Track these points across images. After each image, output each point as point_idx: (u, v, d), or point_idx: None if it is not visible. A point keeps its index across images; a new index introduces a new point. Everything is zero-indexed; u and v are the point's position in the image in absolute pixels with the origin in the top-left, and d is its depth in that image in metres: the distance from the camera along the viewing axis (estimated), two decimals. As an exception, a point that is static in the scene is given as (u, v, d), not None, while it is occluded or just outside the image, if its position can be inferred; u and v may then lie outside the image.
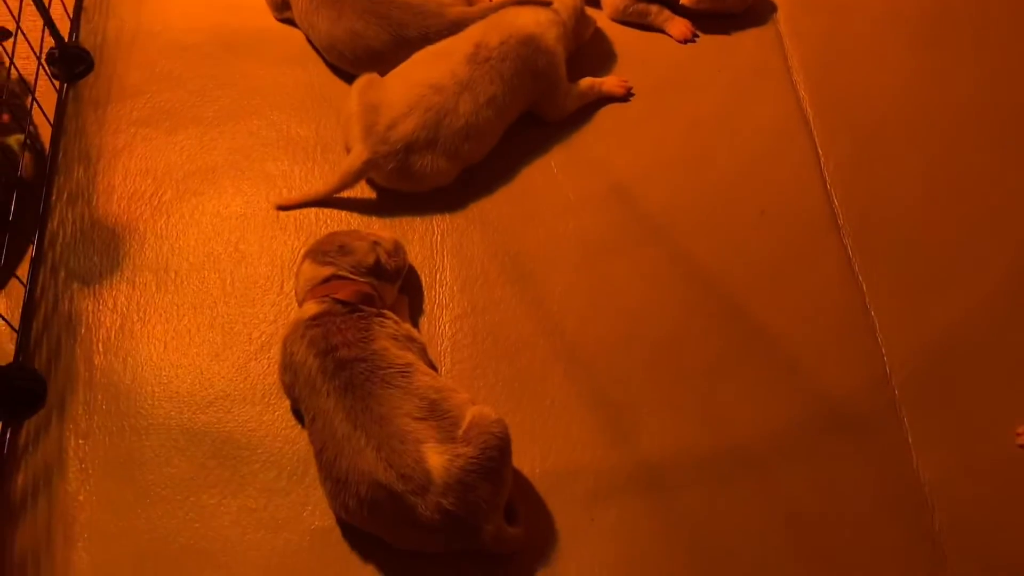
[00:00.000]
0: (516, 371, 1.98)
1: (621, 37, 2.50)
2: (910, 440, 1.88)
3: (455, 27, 2.29)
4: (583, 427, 1.91)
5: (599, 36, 2.48)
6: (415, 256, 2.14)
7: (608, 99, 2.36)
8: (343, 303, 1.81)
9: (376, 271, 1.90)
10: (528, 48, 2.22)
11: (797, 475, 1.85)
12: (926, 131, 2.32)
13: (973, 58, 2.44)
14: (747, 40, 2.49)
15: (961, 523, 1.79)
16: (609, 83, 2.38)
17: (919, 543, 1.77)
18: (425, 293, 2.09)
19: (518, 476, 1.85)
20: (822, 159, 2.29)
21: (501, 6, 2.34)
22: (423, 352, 1.88)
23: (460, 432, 1.67)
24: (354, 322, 1.78)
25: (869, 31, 2.50)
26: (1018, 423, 1.88)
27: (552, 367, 1.99)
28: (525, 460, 1.87)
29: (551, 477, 1.85)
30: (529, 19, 2.26)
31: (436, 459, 1.64)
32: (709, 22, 2.48)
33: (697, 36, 2.48)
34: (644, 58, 2.46)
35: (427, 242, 2.16)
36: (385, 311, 1.87)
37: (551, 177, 2.28)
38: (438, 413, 1.69)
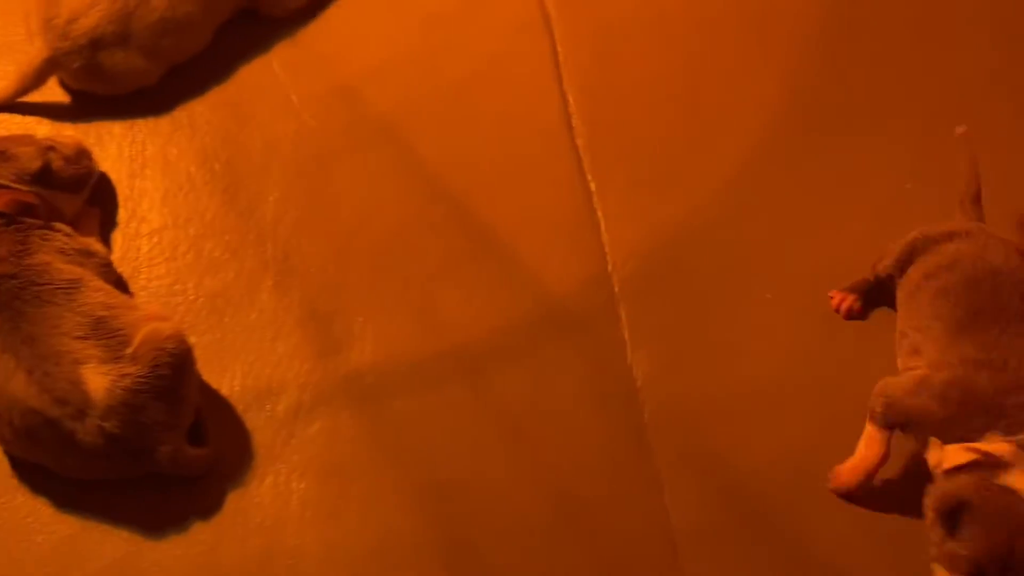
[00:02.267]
0: (221, 286, 1.87)
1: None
2: (626, 337, 1.89)
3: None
4: (291, 340, 1.83)
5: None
6: (112, 164, 1.96)
7: (338, -7, 2.27)
8: (-1, 214, 1.66)
9: (45, 179, 1.73)
10: (235, -67, 2.07)
11: (512, 376, 1.83)
12: (667, 33, 2.27)
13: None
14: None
15: (668, 418, 1.80)
16: (339, -24, 2.25)
17: (627, 438, 1.78)
18: (121, 205, 1.93)
19: (214, 395, 1.75)
20: (560, 58, 2.23)
21: None
22: (103, 268, 1.73)
23: (129, 351, 1.57)
24: (9, 235, 1.60)
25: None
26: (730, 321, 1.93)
27: (261, 279, 1.88)
28: (225, 378, 1.78)
29: (251, 394, 1.77)
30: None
31: (97, 380, 1.53)
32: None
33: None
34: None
35: (126, 149, 1.98)
36: (56, 224, 1.71)
37: (272, 76, 2.13)
38: (105, 331, 1.57)
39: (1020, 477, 1.35)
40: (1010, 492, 1.34)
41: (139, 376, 1.53)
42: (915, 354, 1.55)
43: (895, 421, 1.51)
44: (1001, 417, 1.41)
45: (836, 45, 2.21)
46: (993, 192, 1.89)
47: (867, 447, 1.62)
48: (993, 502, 1.33)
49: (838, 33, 2.22)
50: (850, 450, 1.71)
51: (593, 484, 1.76)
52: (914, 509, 1.57)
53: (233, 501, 1.66)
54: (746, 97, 2.20)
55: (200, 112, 2.05)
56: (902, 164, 2.07)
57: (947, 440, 1.44)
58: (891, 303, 1.83)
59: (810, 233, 2.01)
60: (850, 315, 1.88)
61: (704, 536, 1.69)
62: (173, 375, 1.56)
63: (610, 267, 1.98)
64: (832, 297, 1.91)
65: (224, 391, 1.77)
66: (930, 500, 1.40)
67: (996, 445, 1.38)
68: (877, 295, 1.89)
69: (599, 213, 2.05)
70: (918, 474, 1.62)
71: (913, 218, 2.02)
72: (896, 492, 1.68)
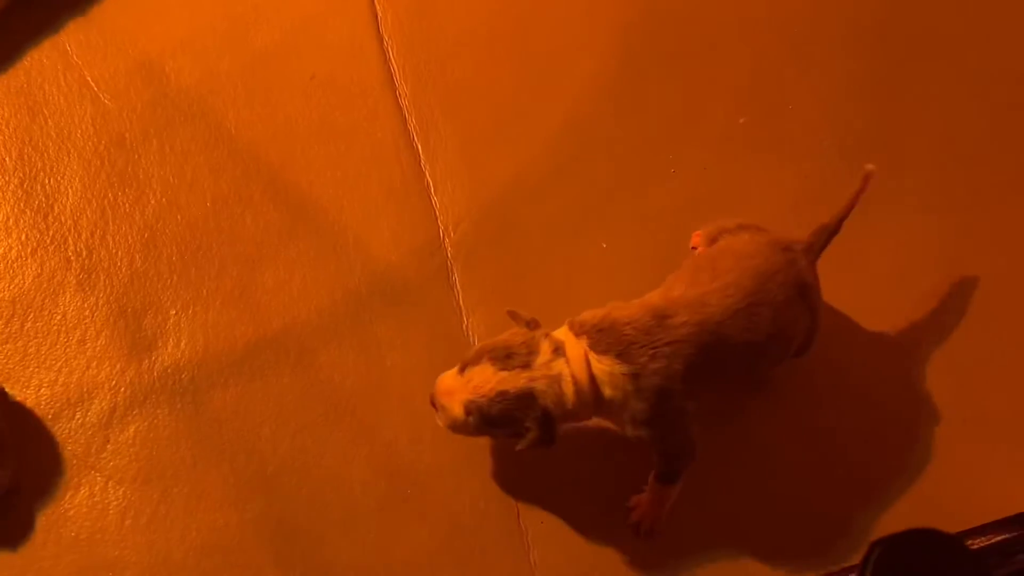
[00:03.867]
0: (18, 290, 1.79)
1: None
2: (461, 302, 1.86)
3: None
4: (99, 341, 1.76)
5: None
6: None
7: (133, -38, 2.15)
8: None
9: None
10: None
11: (341, 356, 1.79)
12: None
13: None
14: None
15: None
16: (133, -57, 2.13)
17: (465, 406, 1.82)
18: None
19: (19, 408, 1.68)
20: (379, 13, 2.16)
21: None
22: None
23: (-97, 371, 1.51)
24: None
25: None
26: (566, 275, 1.91)
27: (63, 279, 1.81)
28: (30, 388, 1.71)
29: (60, 401, 1.71)
30: None
31: None
32: None
33: None
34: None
35: (-100, 152, 1.90)
36: None
37: (65, 59, 2.01)
38: None
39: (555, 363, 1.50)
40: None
41: (-86, 400, 1.48)
42: None
43: None
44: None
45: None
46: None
47: None
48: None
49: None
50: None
51: (431, 457, 1.75)
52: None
53: (44, 519, 1.62)
54: (573, 44, 2.15)
55: (-15, 103, 1.97)
56: (734, 99, 2.08)
57: None
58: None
59: (644, 178, 2.00)
60: None
61: (546, 495, 1.70)
62: (-45, 395, 1.51)
63: (441, 231, 1.95)
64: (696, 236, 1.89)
65: (29, 402, 1.70)
66: None
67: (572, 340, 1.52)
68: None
69: (427, 175, 2.00)
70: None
71: (748, 151, 2.05)
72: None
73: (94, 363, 1.74)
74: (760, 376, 1.76)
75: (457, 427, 1.59)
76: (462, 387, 1.55)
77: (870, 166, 1.73)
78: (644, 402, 1.51)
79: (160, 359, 1.76)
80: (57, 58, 2.01)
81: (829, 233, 1.69)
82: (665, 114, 2.07)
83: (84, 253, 1.84)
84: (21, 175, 1.90)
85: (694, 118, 2.07)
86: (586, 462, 1.74)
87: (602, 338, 1.51)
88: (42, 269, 1.81)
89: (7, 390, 1.69)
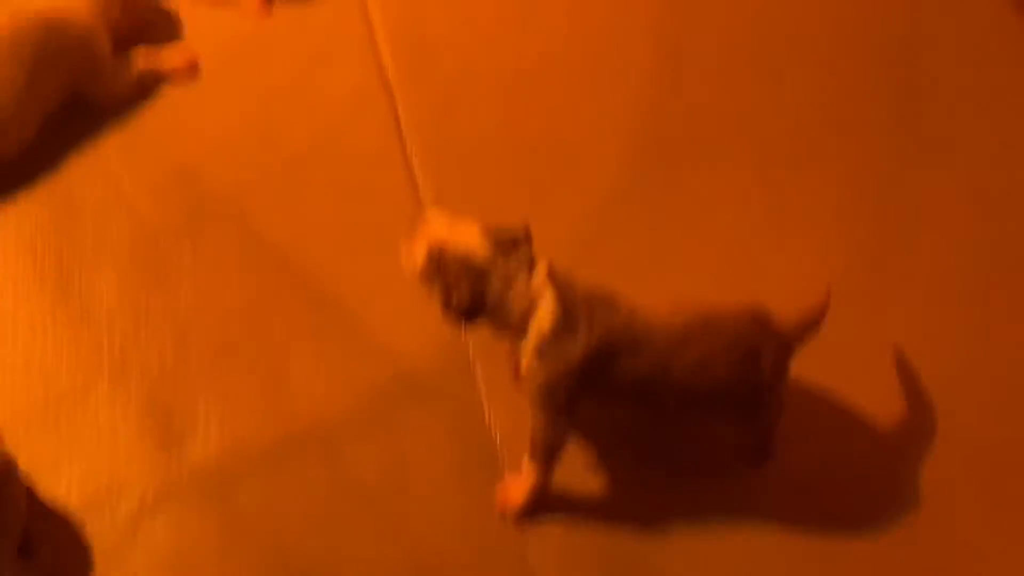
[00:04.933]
0: (54, 391, 1.84)
1: (187, 11, 2.32)
2: (483, 397, 1.90)
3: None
4: (130, 437, 1.81)
5: (160, 10, 2.31)
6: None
7: (170, 76, 2.21)
8: None
9: None
10: (49, 29, 2.01)
11: (366, 450, 1.83)
12: (509, 83, 2.33)
13: (551, 5, 2.44)
14: (326, 5, 2.37)
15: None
16: (170, 57, 2.21)
17: (489, 499, 1.78)
18: (-62, 314, 1.91)
19: (51, 504, 1.71)
20: (402, 121, 2.27)
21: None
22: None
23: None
24: None
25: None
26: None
27: (96, 379, 1.86)
28: (61, 484, 1.75)
29: (91, 497, 1.74)
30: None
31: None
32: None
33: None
34: (211, 29, 2.30)
35: (-58, 255, 1.98)
36: None
37: (105, 166, 2.12)
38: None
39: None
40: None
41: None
42: None
43: None
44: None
45: (673, 80, 2.27)
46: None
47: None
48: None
49: (674, 68, 2.29)
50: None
51: (456, 550, 1.76)
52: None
53: (72, 616, 1.64)
54: (590, 143, 2.25)
55: (27, 209, 2.02)
56: (749, 194, 2.12)
57: None
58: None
59: (663, 269, 2.03)
60: None
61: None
62: (-9, 491, 1.53)
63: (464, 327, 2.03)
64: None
65: (62, 498, 1.73)
66: None
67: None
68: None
69: (450, 275, 2.09)
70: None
71: (764, 245, 2.09)
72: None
73: (124, 459, 1.78)
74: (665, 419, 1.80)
75: (413, 262, 1.68)
76: (444, 229, 1.66)
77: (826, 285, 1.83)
78: (553, 363, 1.61)
79: (189, 455, 1.79)
80: (97, 164, 2.10)
81: (804, 329, 1.77)
82: (682, 206, 2.10)
83: (117, 352, 1.90)
84: (58, 276, 1.96)
85: (710, 210, 2.09)
86: (610, 554, 1.74)
87: (563, 288, 1.64)
88: (76, 370, 1.86)
89: (38, 486, 1.72)
